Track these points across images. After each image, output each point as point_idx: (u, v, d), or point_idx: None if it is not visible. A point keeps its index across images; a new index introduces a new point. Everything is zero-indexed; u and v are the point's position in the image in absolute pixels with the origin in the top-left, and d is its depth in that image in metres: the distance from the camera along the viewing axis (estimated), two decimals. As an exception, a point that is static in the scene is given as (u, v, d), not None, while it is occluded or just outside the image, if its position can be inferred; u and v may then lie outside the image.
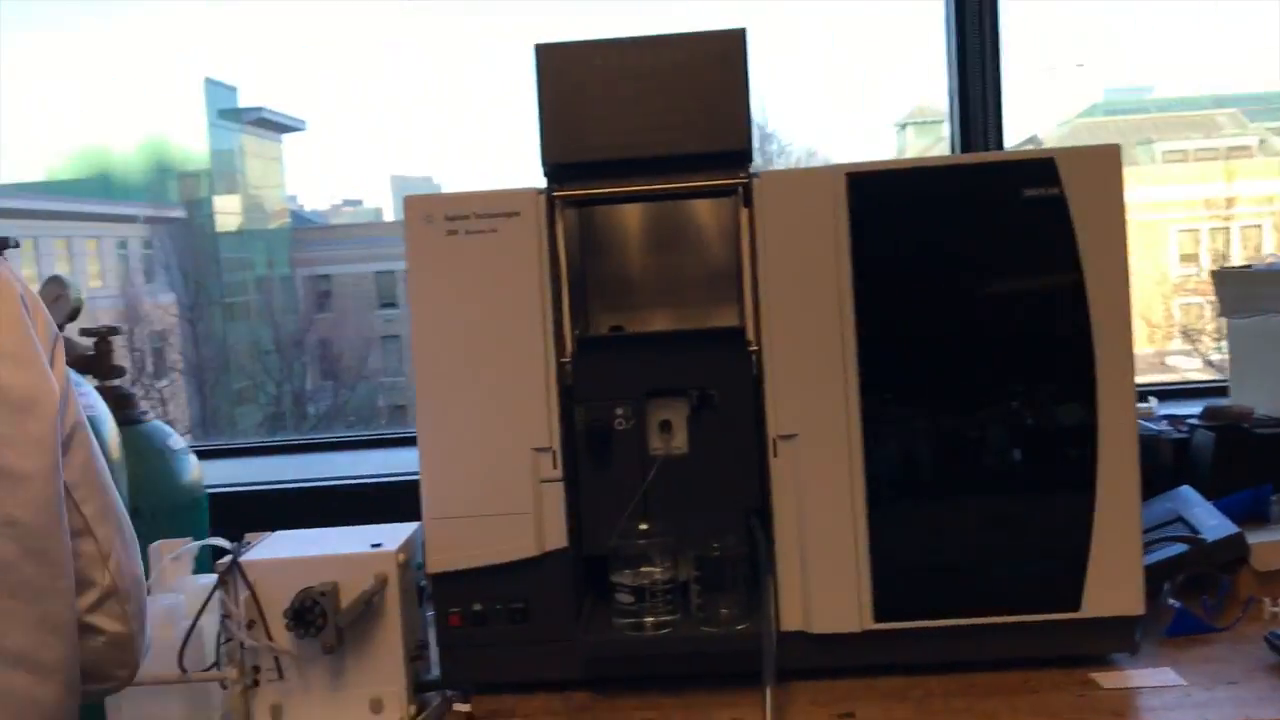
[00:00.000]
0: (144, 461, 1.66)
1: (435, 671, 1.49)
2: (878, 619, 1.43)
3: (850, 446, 1.43)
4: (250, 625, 1.36)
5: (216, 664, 1.40)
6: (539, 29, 1.50)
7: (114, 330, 1.72)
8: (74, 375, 1.49)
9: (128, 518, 1.14)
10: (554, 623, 1.47)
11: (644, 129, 1.47)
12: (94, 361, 1.71)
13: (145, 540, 1.56)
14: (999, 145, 2.19)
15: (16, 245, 1.49)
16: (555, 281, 1.47)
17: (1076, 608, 1.42)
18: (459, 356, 1.45)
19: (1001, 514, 1.43)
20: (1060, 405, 1.42)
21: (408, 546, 1.44)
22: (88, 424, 1.10)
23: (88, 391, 1.48)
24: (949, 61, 2.25)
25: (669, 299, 1.65)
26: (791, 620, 1.45)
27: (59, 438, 1.03)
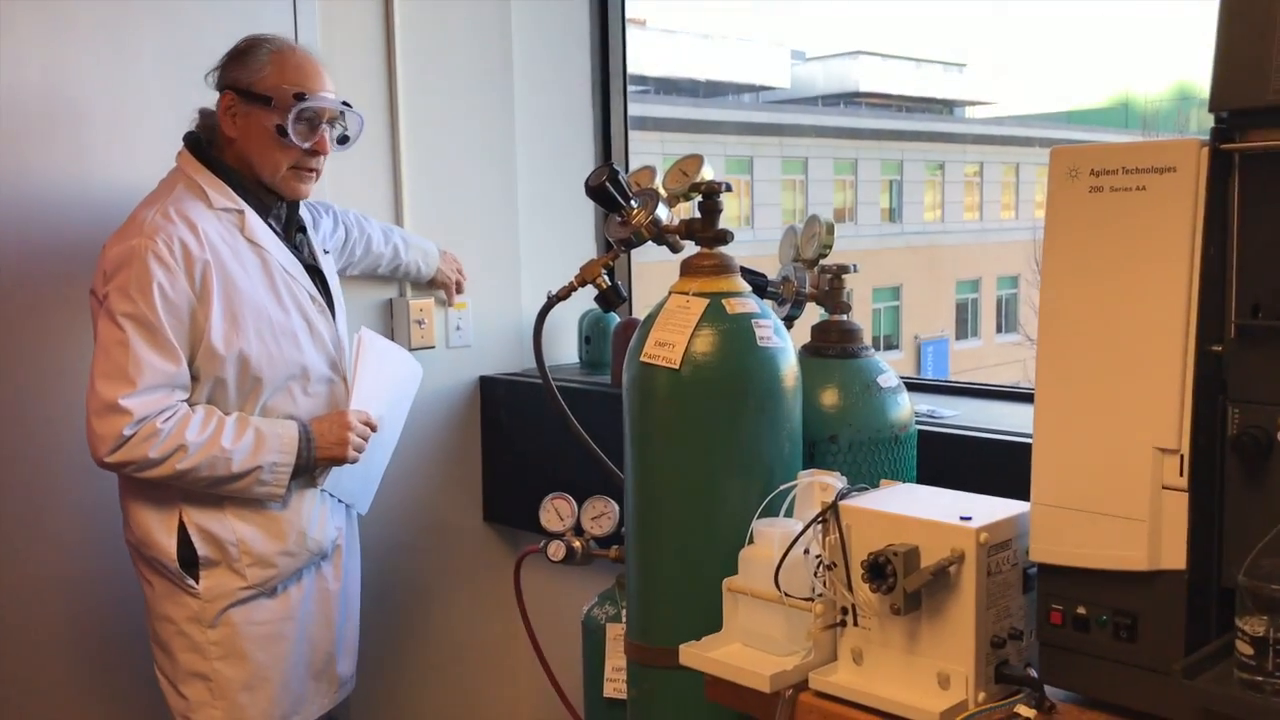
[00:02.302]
0: (849, 394, 1.75)
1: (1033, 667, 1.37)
2: None
3: None
4: (831, 567, 1.40)
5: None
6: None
7: (844, 269, 1.83)
8: (759, 308, 1.65)
9: (110, 371, 1.85)
10: (1163, 652, 1.25)
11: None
12: (827, 296, 1.85)
13: (842, 469, 1.67)
14: None
15: (729, 189, 1.68)
16: (1216, 253, 1.21)
17: None
18: (1087, 328, 1.28)
19: None
20: None
21: (999, 527, 1.33)
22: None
23: (767, 323, 1.62)
24: None
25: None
26: None
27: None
